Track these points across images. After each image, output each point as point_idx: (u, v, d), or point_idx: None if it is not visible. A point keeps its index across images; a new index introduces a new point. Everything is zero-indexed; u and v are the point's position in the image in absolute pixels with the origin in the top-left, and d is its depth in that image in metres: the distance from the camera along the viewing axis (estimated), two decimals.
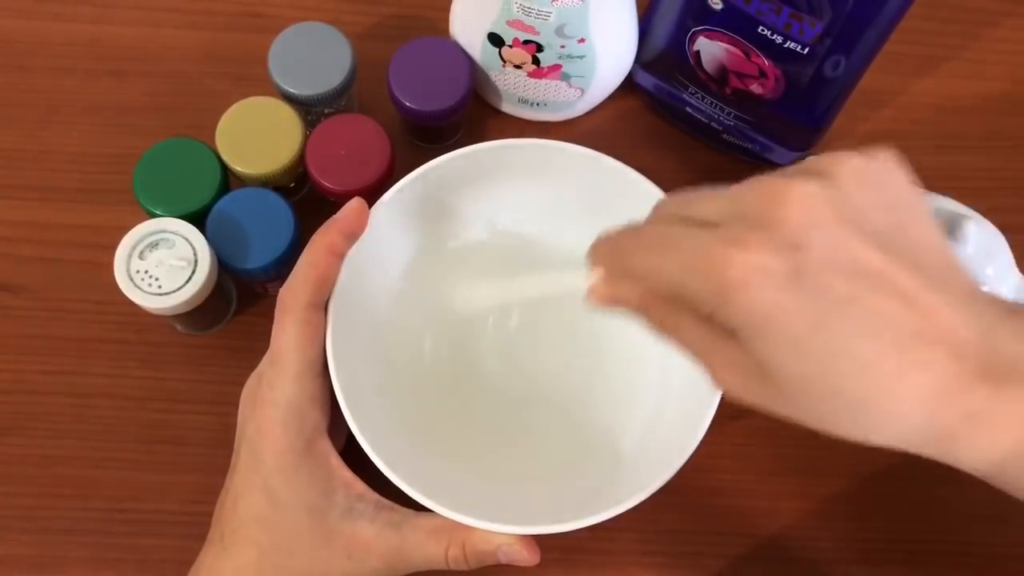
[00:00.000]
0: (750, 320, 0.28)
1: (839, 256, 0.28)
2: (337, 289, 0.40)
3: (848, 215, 0.28)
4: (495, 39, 0.47)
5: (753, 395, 0.30)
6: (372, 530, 0.38)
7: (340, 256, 0.40)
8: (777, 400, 0.30)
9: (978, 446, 0.28)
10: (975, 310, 0.28)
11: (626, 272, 0.32)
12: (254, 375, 0.41)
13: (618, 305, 0.33)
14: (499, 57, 0.48)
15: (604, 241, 0.33)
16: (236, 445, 0.40)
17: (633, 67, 0.51)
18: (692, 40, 0.47)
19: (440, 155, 0.43)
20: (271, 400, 0.38)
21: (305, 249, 0.40)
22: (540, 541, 0.39)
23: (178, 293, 0.42)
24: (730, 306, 0.28)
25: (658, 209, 0.33)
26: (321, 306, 0.39)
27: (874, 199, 0.29)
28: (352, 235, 0.40)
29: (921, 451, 0.29)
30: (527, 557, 0.38)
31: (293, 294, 0.39)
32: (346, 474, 0.39)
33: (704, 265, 0.28)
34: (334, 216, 0.40)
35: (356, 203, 0.40)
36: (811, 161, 0.30)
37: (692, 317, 0.30)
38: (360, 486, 0.39)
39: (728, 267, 0.28)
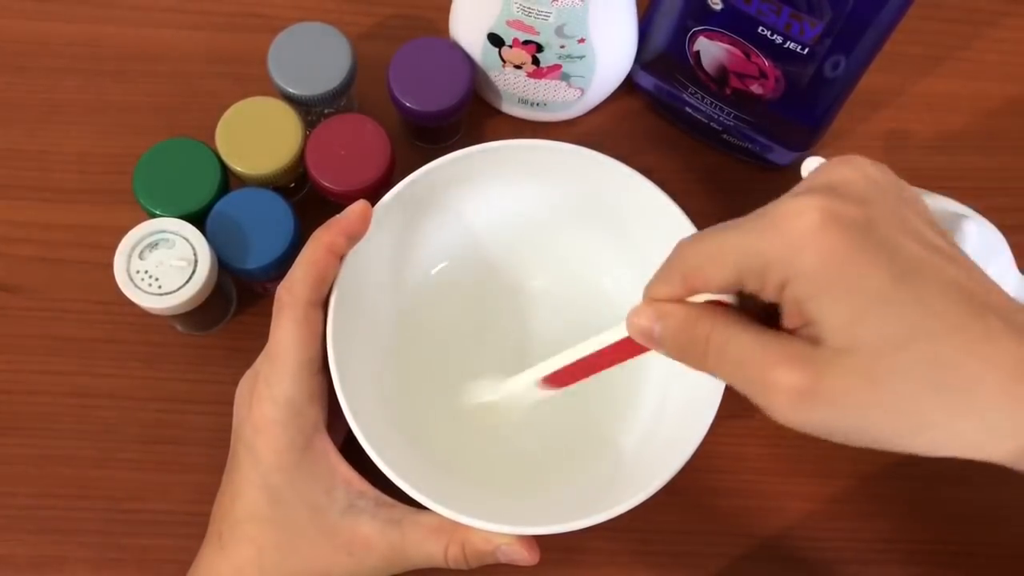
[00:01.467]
0: (830, 270, 0.26)
1: (904, 223, 0.28)
2: (337, 286, 0.40)
3: (901, 194, 0.29)
4: (495, 39, 0.47)
5: (820, 400, 0.27)
6: (373, 527, 0.38)
7: (340, 256, 0.40)
8: (849, 397, 0.27)
9: None
10: (1011, 297, 0.29)
11: (683, 269, 0.30)
12: (249, 373, 0.41)
13: (661, 322, 0.30)
14: (499, 57, 0.48)
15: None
16: (232, 444, 0.40)
17: (633, 67, 0.51)
18: (692, 40, 0.47)
19: (440, 155, 0.43)
20: (269, 397, 0.38)
21: (305, 246, 0.40)
22: (540, 541, 0.39)
23: (178, 293, 0.42)
24: (809, 254, 0.26)
25: None
26: (320, 304, 0.39)
27: (907, 194, 0.30)
28: (354, 236, 0.40)
29: (1005, 443, 0.27)
30: (526, 557, 0.38)
31: (291, 291, 0.39)
32: (346, 471, 0.39)
33: (776, 222, 0.27)
34: (337, 216, 0.40)
35: (360, 205, 0.40)
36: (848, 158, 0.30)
37: (743, 322, 0.29)
38: (360, 483, 0.39)
39: (803, 214, 0.26)
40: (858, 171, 0.29)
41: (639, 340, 0.32)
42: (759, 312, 0.30)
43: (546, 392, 0.40)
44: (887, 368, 0.26)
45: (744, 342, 0.28)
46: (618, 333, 0.34)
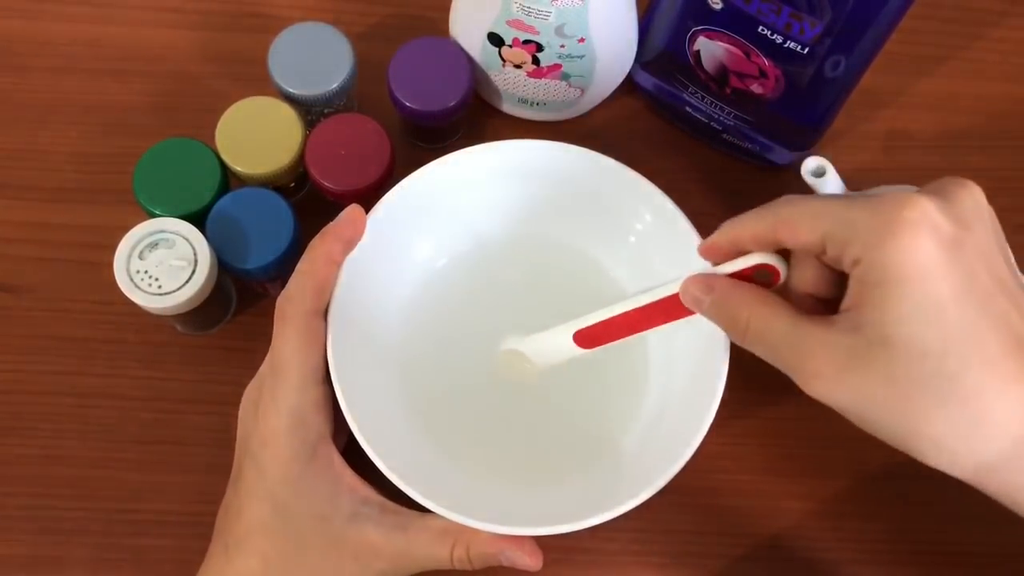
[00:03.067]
0: (907, 265, 0.28)
1: (988, 258, 0.30)
2: (337, 294, 0.40)
3: (996, 230, 0.32)
4: (495, 39, 0.47)
5: (843, 389, 0.30)
6: (378, 533, 0.38)
7: (338, 263, 0.40)
8: (866, 391, 0.30)
9: None
10: None
11: (778, 216, 0.32)
12: (254, 384, 0.41)
13: (710, 295, 0.34)
14: (499, 57, 0.48)
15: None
16: (237, 456, 0.40)
17: (633, 67, 0.51)
18: (692, 40, 0.47)
19: (440, 155, 0.43)
20: (274, 410, 0.38)
21: (302, 257, 0.40)
22: (541, 541, 0.39)
23: (178, 293, 0.42)
24: (896, 243, 0.28)
25: None
26: (321, 313, 0.39)
27: (1000, 234, 0.32)
28: (350, 242, 0.40)
29: (1006, 476, 0.30)
30: (529, 563, 0.39)
31: (292, 302, 0.39)
32: (351, 478, 0.39)
33: (882, 205, 0.29)
34: (331, 223, 0.40)
35: (353, 209, 0.40)
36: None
37: (780, 311, 0.32)
38: (365, 490, 0.39)
39: (906, 208, 0.28)
40: (971, 197, 0.31)
41: (688, 305, 0.36)
42: (805, 291, 0.33)
43: (577, 350, 0.41)
44: (907, 373, 0.29)
45: (780, 331, 0.32)
46: (664, 292, 0.37)
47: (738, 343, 0.34)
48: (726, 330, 0.34)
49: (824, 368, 0.30)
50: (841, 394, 0.30)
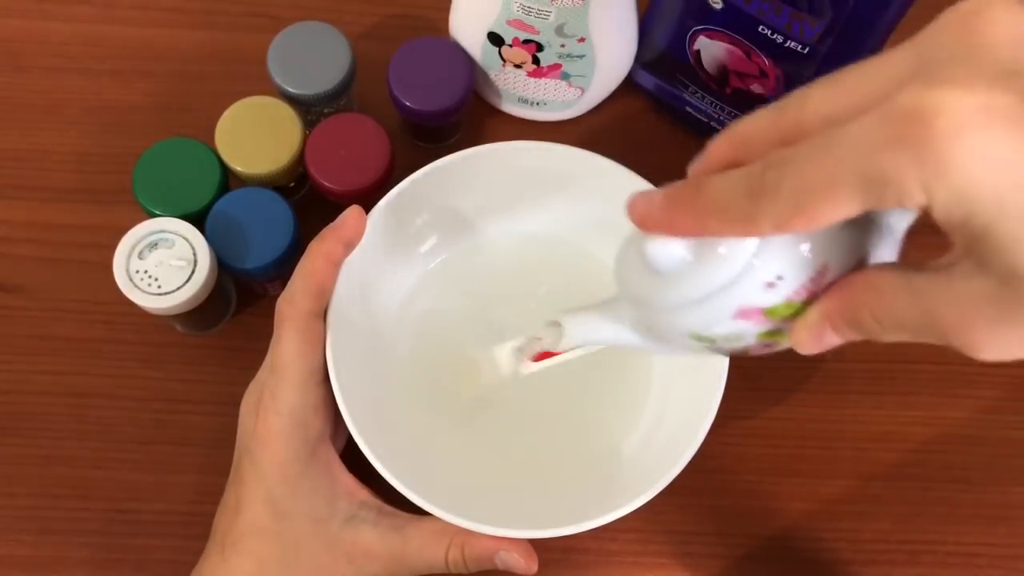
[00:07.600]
0: (986, 188, 0.20)
1: None
2: (336, 295, 0.40)
3: None
4: (495, 38, 0.47)
5: (1013, 332, 0.22)
6: (374, 535, 0.38)
7: (338, 264, 0.40)
8: None
9: None
10: None
11: (794, 196, 0.22)
12: (254, 385, 0.41)
13: (829, 330, 0.25)
14: (499, 56, 0.48)
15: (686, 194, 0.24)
16: (236, 456, 0.40)
17: (633, 67, 0.51)
18: (692, 39, 0.47)
19: (439, 156, 0.43)
20: (274, 410, 0.38)
21: (303, 258, 0.40)
22: (541, 541, 0.39)
23: (177, 293, 0.42)
24: (954, 173, 0.19)
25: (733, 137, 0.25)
26: (320, 314, 0.39)
27: None
28: (350, 243, 0.40)
29: None
30: (523, 566, 0.38)
31: (292, 303, 0.39)
32: (349, 482, 0.39)
33: (893, 132, 0.20)
34: (331, 224, 0.40)
35: (354, 210, 0.40)
36: None
37: (892, 280, 0.23)
38: (363, 493, 0.39)
39: (935, 116, 0.19)
40: (1000, 25, 0.21)
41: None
42: None
43: (528, 366, 0.40)
44: None
45: (906, 306, 0.23)
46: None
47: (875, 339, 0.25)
48: (856, 336, 0.25)
49: (978, 330, 0.22)
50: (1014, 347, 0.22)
